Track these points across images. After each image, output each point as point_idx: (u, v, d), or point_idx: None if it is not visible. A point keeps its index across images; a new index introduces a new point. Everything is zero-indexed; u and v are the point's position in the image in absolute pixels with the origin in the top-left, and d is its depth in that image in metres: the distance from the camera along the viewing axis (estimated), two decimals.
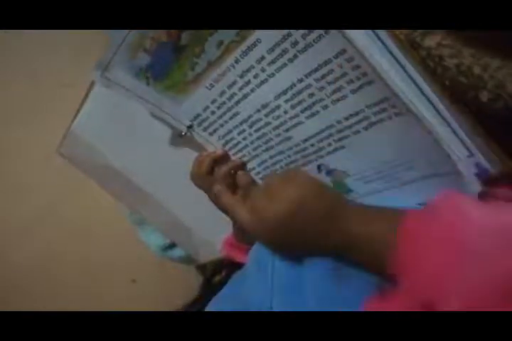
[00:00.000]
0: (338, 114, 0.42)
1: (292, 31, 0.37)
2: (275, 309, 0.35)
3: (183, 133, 0.54)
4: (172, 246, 0.81)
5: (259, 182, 0.53)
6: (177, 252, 0.82)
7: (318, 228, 0.35)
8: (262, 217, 0.36)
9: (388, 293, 0.31)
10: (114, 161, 0.65)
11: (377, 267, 0.32)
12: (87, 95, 0.57)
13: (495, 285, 0.25)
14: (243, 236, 0.52)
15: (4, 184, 1.38)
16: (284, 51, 0.39)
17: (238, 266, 0.47)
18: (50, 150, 0.72)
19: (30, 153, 1.38)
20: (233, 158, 0.54)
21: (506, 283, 0.25)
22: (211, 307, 0.42)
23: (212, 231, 0.65)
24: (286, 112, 0.44)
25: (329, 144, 0.45)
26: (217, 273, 0.53)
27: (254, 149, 0.51)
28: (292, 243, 0.36)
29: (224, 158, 0.53)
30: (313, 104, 0.42)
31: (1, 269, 1.28)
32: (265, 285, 0.36)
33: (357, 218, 0.35)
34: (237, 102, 0.47)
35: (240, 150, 0.52)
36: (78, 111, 0.59)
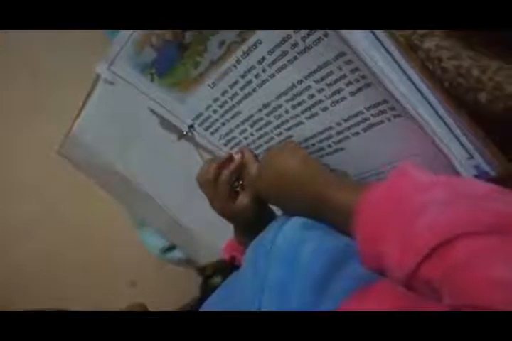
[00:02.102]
0: (337, 116, 0.42)
1: (292, 33, 0.38)
2: (264, 307, 0.35)
3: (185, 133, 0.54)
4: (172, 248, 0.81)
5: None
6: (177, 254, 0.81)
7: (299, 189, 0.41)
8: (262, 177, 0.46)
9: (367, 292, 0.32)
10: (115, 163, 0.64)
11: (346, 228, 0.37)
12: (88, 97, 0.57)
13: (431, 234, 0.28)
14: (245, 239, 0.53)
15: (4, 184, 1.38)
16: (284, 53, 0.40)
17: (237, 267, 0.47)
18: (50, 150, 0.71)
19: (30, 153, 1.38)
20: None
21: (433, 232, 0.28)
22: (205, 307, 0.42)
23: (212, 233, 0.65)
24: (287, 112, 0.45)
25: (329, 145, 0.45)
26: (217, 275, 0.53)
27: (256, 148, 0.51)
28: (282, 199, 0.44)
29: (229, 162, 0.53)
30: (313, 105, 0.42)
31: (0, 269, 1.28)
32: (257, 284, 0.37)
33: (333, 186, 0.40)
34: (239, 101, 0.47)
35: None
36: (79, 112, 0.59)
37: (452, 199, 0.30)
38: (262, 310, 0.34)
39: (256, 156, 0.50)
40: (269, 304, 0.35)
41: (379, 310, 0.29)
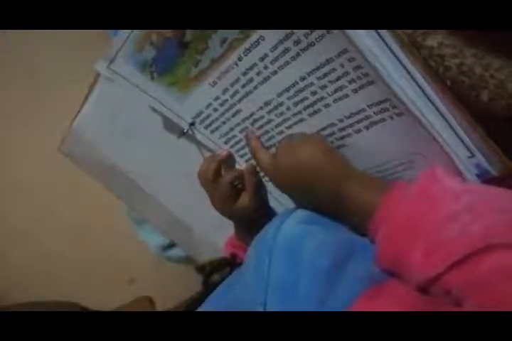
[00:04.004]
0: (339, 113, 0.42)
1: (295, 30, 0.38)
2: (269, 306, 0.34)
3: (185, 131, 0.53)
4: (171, 245, 0.81)
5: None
6: (176, 252, 0.81)
7: (321, 182, 0.40)
8: (280, 166, 0.43)
9: (377, 292, 0.32)
10: (115, 160, 0.64)
11: (362, 226, 0.37)
12: (89, 93, 0.57)
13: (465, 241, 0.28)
14: (247, 237, 0.53)
15: (4, 184, 1.38)
16: (287, 49, 0.39)
17: (238, 264, 0.47)
18: (50, 150, 0.71)
19: (30, 153, 1.38)
20: (235, 155, 0.54)
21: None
22: (206, 305, 0.42)
23: (212, 232, 0.65)
24: (288, 109, 0.45)
25: (331, 142, 0.45)
26: (216, 272, 0.53)
27: None
28: (300, 191, 0.43)
29: (229, 159, 0.53)
30: (316, 102, 0.42)
31: (1, 269, 1.28)
32: (260, 283, 0.36)
33: (356, 181, 0.39)
34: (240, 99, 0.47)
35: (242, 148, 0.52)
36: (80, 109, 0.59)
37: (486, 208, 0.30)
38: (267, 307, 0.34)
39: (263, 144, 0.49)
40: (273, 302, 0.34)
41: (395, 310, 0.29)
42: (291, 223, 0.41)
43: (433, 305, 0.29)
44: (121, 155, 0.64)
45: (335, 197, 0.40)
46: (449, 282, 0.28)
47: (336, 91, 0.40)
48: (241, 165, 0.54)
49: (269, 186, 0.54)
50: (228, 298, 0.41)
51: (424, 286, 0.30)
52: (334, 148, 0.44)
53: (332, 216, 0.42)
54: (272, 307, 0.34)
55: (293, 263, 0.36)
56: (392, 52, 0.36)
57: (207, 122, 0.52)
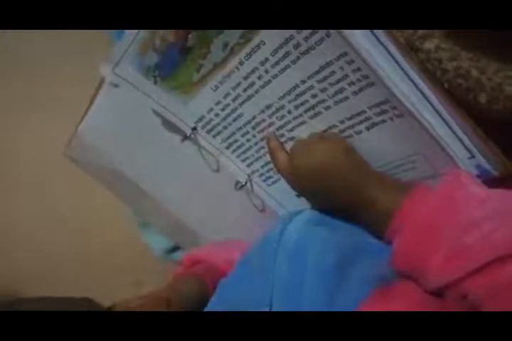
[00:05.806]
0: (340, 115, 0.42)
1: (295, 34, 0.38)
2: (275, 307, 0.35)
3: (188, 135, 0.54)
4: (176, 248, 0.81)
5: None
6: (180, 255, 0.81)
7: (341, 183, 0.40)
8: (297, 166, 0.42)
9: (388, 293, 0.32)
10: (120, 165, 0.64)
11: (380, 228, 0.37)
12: (93, 98, 0.57)
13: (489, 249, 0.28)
14: None
15: (5, 184, 1.38)
16: (287, 53, 0.40)
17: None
18: (50, 150, 0.71)
19: (31, 153, 1.38)
20: (237, 159, 0.54)
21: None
22: (209, 306, 0.42)
23: (215, 235, 0.65)
24: (290, 112, 0.45)
25: None
26: None
27: (258, 151, 0.51)
28: (317, 192, 0.42)
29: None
30: (316, 104, 0.43)
31: (2, 270, 1.28)
32: (266, 283, 0.37)
33: (375, 182, 0.39)
34: (242, 103, 0.47)
35: (244, 152, 0.53)
36: (85, 114, 0.59)
37: (510, 216, 0.30)
38: (273, 308, 0.34)
39: (282, 144, 0.48)
40: (279, 303, 0.35)
41: (405, 310, 0.29)
42: (296, 224, 0.41)
43: (446, 309, 0.29)
44: (124, 159, 0.64)
45: (352, 197, 0.39)
46: (468, 287, 0.28)
47: (336, 93, 0.41)
48: (243, 170, 0.54)
49: (271, 190, 0.54)
50: (227, 299, 0.41)
51: (440, 290, 0.30)
52: (352, 147, 0.43)
53: (348, 217, 0.41)
54: (278, 308, 0.34)
55: (298, 264, 0.36)
56: (391, 55, 0.36)
57: (208, 127, 0.52)
